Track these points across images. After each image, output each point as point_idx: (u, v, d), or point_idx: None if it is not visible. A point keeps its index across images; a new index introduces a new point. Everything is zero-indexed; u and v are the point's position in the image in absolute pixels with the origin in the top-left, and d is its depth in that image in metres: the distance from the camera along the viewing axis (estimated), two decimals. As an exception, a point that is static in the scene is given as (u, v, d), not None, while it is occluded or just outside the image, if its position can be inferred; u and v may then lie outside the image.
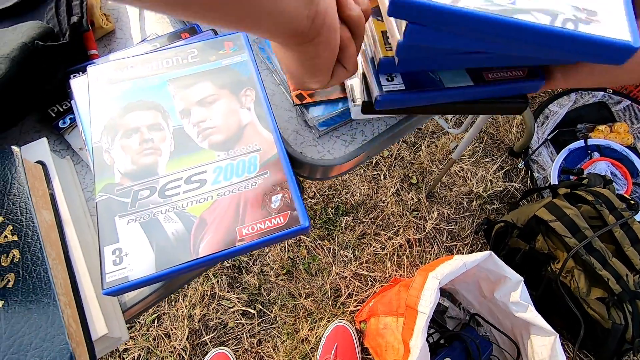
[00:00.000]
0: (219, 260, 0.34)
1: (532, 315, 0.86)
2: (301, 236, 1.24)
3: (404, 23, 0.30)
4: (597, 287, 0.97)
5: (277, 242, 0.36)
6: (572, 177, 1.23)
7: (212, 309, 1.17)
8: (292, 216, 0.35)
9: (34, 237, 0.33)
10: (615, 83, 0.39)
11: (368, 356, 1.12)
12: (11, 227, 0.34)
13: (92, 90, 0.42)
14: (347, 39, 0.31)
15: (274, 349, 1.13)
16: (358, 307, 1.20)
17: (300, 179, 0.50)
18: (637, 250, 0.98)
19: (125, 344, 1.11)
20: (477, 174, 1.43)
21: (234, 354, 1.12)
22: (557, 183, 1.29)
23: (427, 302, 0.79)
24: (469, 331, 0.95)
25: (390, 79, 0.38)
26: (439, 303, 1.03)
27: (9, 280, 0.32)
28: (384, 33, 0.37)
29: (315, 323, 1.17)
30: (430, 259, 1.29)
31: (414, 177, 1.41)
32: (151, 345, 1.12)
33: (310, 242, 1.28)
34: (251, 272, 1.22)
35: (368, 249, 1.28)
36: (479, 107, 0.41)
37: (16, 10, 0.47)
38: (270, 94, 0.50)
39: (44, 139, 0.41)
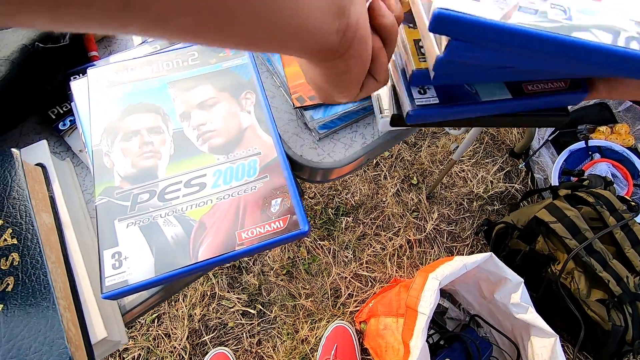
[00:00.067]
0: (218, 264, 0.34)
1: (532, 316, 0.86)
2: (301, 236, 1.24)
3: (445, 38, 0.27)
4: (597, 289, 0.97)
5: (276, 246, 0.36)
6: (573, 179, 1.23)
7: (212, 309, 1.17)
8: (292, 220, 0.35)
9: (34, 241, 0.33)
10: None
11: (368, 357, 1.12)
12: (11, 230, 0.34)
13: (92, 92, 0.42)
14: (378, 49, 0.28)
15: (273, 349, 1.14)
16: (358, 308, 1.20)
17: (300, 181, 0.50)
18: (638, 252, 0.98)
19: (125, 343, 1.11)
20: (477, 175, 1.43)
21: (234, 354, 1.12)
22: (557, 184, 1.29)
23: (427, 303, 0.79)
24: (469, 332, 0.95)
25: (422, 92, 0.35)
26: (439, 304, 1.03)
27: (8, 284, 0.32)
28: (416, 42, 0.34)
29: (315, 323, 1.17)
30: (430, 259, 1.29)
31: (415, 178, 1.41)
32: (151, 345, 1.12)
33: (311, 242, 1.28)
34: (251, 272, 1.23)
35: (368, 249, 1.28)
36: (517, 120, 0.39)
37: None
38: (270, 96, 0.49)
39: (44, 142, 0.41)
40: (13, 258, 0.33)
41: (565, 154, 1.36)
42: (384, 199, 1.36)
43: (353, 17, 0.24)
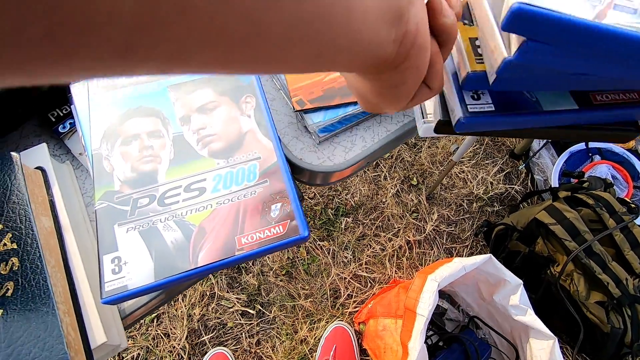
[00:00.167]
0: (218, 269, 0.34)
1: (531, 318, 0.86)
2: (301, 237, 1.24)
3: (517, 38, 0.24)
4: (596, 291, 0.97)
5: (276, 251, 0.36)
6: (573, 180, 1.23)
7: (212, 309, 1.17)
8: (292, 226, 0.35)
9: (33, 245, 0.33)
10: None
11: (367, 357, 1.12)
12: (10, 235, 0.34)
13: (92, 95, 0.41)
14: (435, 54, 0.24)
15: (272, 350, 1.14)
16: (357, 309, 1.20)
17: (300, 183, 0.50)
18: (637, 254, 0.98)
19: (125, 347, 1.11)
20: (477, 176, 1.43)
21: (233, 354, 1.12)
22: (557, 186, 1.29)
23: (426, 304, 0.79)
24: (467, 334, 0.95)
25: (476, 97, 0.31)
26: (438, 305, 1.03)
27: (8, 289, 0.32)
28: (472, 40, 0.30)
29: (314, 324, 1.17)
30: (429, 260, 1.29)
31: (414, 179, 1.41)
32: (150, 344, 1.12)
33: (310, 242, 1.28)
34: (250, 273, 1.23)
35: (368, 250, 1.28)
36: (581, 133, 0.35)
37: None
38: (270, 99, 0.49)
39: (44, 145, 0.41)
40: (13, 263, 0.33)
41: (565, 155, 1.36)
42: (383, 200, 1.36)
43: (412, 24, 0.21)
